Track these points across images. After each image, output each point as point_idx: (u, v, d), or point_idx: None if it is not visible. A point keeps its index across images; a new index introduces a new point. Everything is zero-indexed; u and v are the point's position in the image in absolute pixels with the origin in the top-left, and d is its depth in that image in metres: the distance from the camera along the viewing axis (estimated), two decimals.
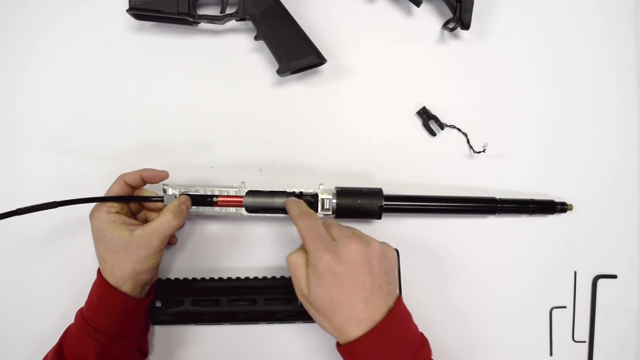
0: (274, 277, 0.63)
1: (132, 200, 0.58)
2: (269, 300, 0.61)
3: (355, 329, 0.47)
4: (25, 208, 0.51)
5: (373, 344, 0.47)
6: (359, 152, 0.66)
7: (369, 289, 0.48)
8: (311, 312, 0.51)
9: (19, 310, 0.63)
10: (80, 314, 0.55)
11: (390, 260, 0.51)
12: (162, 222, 0.53)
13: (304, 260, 0.50)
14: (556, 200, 0.66)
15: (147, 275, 0.55)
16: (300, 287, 0.50)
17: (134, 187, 0.57)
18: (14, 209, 0.50)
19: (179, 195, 0.57)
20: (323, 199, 0.58)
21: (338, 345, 0.50)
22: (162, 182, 0.58)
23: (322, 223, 0.52)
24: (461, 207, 0.64)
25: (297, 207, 0.54)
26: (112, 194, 0.56)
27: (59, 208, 0.52)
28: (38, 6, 0.65)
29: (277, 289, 0.62)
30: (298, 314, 0.61)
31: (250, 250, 0.65)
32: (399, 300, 0.50)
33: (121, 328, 0.54)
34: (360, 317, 0.47)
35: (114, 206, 0.55)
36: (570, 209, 0.65)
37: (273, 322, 0.62)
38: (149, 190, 0.59)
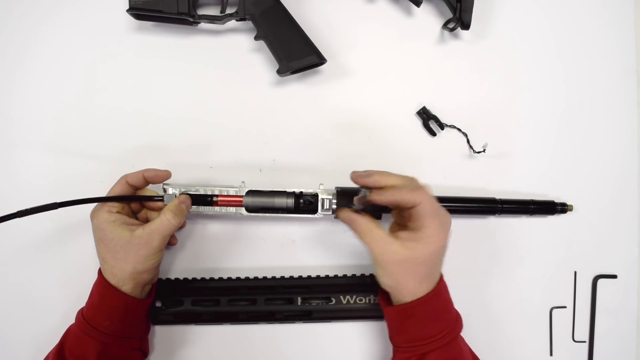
0: (274, 277, 0.63)
1: (133, 200, 0.58)
2: (269, 300, 0.61)
3: (413, 297, 0.52)
4: (26, 210, 0.51)
5: (428, 306, 0.52)
6: (359, 152, 0.66)
7: (437, 269, 0.54)
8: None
9: (19, 311, 0.63)
10: (81, 314, 0.55)
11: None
12: (162, 221, 0.53)
13: (377, 231, 0.53)
14: (556, 200, 0.66)
15: (148, 275, 0.55)
16: (377, 253, 0.52)
17: (136, 188, 0.57)
18: (15, 211, 0.50)
19: (179, 194, 0.57)
20: (323, 199, 0.58)
21: (387, 306, 0.55)
22: (163, 182, 0.58)
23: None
24: (461, 208, 0.64)
25: (398, 177, 0.53)
26: (114, 194, 0.56)
27: (60, 208, 0.52)
28: (37, 6, 0.65)
29: (277, 289, 0.62)
30: (298, 314, 0.61)
31: (250, 250, 0.65)
32: (441, 274, 0.55)
33: (122, 328, 0.54)
34: (421, 291, 0.52)
35: (115, 206, 0.56)
36: (571, 210, 0.65)
37: (273, 322, 0.62)
38: (151, 189, 0.59)
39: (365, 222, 0.53)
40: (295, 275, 0.63)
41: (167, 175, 0.58)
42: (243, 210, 0.59)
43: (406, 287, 0.52)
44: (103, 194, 0.56)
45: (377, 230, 0.52)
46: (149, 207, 0.59)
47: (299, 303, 0.61)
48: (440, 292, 0.53)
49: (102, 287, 0.54)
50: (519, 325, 0.66)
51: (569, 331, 0.67)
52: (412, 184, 0.53)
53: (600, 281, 0.67)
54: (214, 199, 0.58)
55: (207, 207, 0.58)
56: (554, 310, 0.67)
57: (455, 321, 0.54)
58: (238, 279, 0.63)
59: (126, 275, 0.53)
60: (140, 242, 0.52)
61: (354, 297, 0.62)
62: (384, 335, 0.58)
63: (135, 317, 0.56)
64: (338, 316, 0.62)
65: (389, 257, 0.51)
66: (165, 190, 0.58)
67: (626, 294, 0.68)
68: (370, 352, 0.64)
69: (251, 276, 0.63)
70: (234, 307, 0.61)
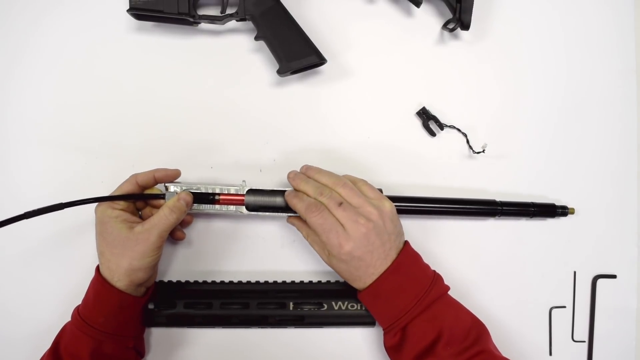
0: (266, 282, 0.63)
1: (136, 198, 0.58)
2: (262, 304, 0.61)
3: (373, 278, 0.54)
4: (33, 211, 0.51)
5: (390, 282, 0.54)
6: (359, 152, 0.66)
7: (385, 253, 0.54)
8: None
9: (18, 310, 0.63)
10: (77, 311, 0.55)
11: (394, 215, 0.57)
12: (159, 218, 0.54)
13: (315, 237, 0.57)
14: (556, 201, 0.66)
15: (143, 274, 0.54)
16: (322, 257, 0.57)
17: (144, 187, 0.58)
18: (22, 212, 0.51)
19: (180, 192, 0.57)
20: None
21: (358, 293, 0.57)
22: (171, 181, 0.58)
23: (327, 206, 0.54)
24: (461, 209, 0.64)
25: (299, 201, 0.56)
26: (122, 192, 0.56)
27: (65, 208, 0.53)
28: (36, 6, 0.65)
29: (270, 294, 0.62)
30: (290, 318, 0.61)
31: (251, 250, 0.65)
32: (407, 243, 0.57)
33: (117, 326, 0.54)
34: (377, 272, 0.54)
35: (119, 202, 0.56)
36: (572, 213, 0.65)
37: (265, 326, 0.62)
38: (156, 187, 0.59)
39: (305, 227, 0.58)
40: (289, 280, 0.63)
41: (176, 174, 0.58)
42: (243, 209, 0.58)
43: (351, 278, 0.56)
44: (104, 194, 0.56)
45: (313, 234, 0.57)
46: (152, 205, 0.59)
47: (291, 308, 0.61)
48: (399, 267, 0.55)
49: (98, 284, 0.54)
50: (518, 325, 0.66)
51: (568, 331, 0.67)
52: (314, 196, 0.55)
53: (600, 281, 0.67)
54: (215, 197, 0.58)
55: (208, 205, 0.58)
56: (554, 310, 0.67)
57: (428, 288, 0.54)
58: (231, 282, 0.63)
59: (121, 271, 0.53)
60: (138, 238, 0.53)
61: (346, 303, 0.62)
62: (374, 342, 0.59)
63: (130, 315, 0.56)
64: (329, 322, 0.62)
65: (323, 259, 0.57)
66: (167, 188, 0.58)
67: (626, 294, 0.68)
68: (361, 358, 0.64)
69: (251, 276, 0.63)
70: (226, 311, 0.61)
